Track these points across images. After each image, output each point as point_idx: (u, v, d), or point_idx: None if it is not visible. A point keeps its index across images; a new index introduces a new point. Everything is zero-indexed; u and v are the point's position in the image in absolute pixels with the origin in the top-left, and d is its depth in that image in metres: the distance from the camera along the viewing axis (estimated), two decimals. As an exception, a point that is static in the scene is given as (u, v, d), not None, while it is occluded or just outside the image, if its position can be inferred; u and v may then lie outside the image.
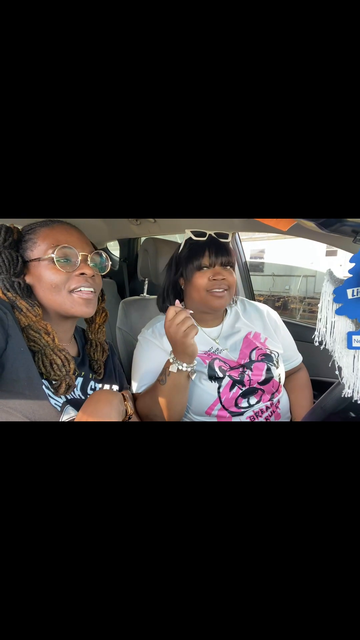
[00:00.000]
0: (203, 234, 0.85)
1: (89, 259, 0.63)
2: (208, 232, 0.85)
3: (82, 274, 0.61)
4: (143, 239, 1.48)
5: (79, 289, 0.61)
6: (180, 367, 0.72)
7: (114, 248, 1.98)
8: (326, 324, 0.46)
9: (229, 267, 0.85)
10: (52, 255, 0.59)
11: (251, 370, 0.84)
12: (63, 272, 0.60)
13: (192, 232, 0.86)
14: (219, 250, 0.83)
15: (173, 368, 0.73)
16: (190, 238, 0.86)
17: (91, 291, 0.62)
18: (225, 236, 0.86)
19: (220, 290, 0.83)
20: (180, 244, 0.90)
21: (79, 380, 0.67)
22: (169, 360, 0.74)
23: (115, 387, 0.74)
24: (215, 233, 0.86)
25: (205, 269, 0.83)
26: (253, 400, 0.83)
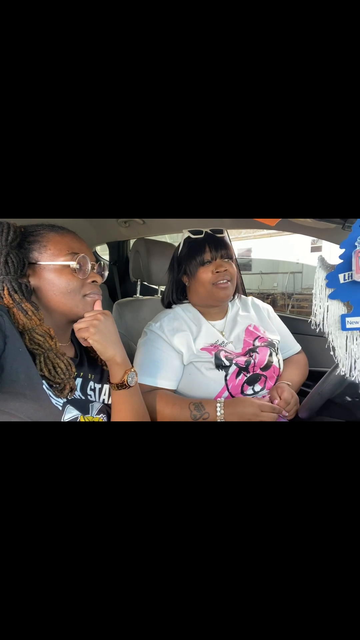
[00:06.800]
0: (200, 232, 0.92)
1: (95, 268, 0.67)
2: (204, 230, 0.92)
3: (94, 281, 0.66)
4: (133, 241, 1.49)
5: (90, 295, 0.66)
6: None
7: (103, 252, 1.98)
8: (321, 308, 0.48)
9: (228, 260, 0.90)
10: (72, 263, 0.62)
11: (258, 353, 0.88)
12: (78, 279, 0.63)
13: (189, 231, 0.92)
14: (218, 244, 0.89)
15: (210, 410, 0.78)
16: (188, 237, 0.93)
17: (99, 294, 0.68)
18: (221, 231, 0.92)
19: (225, 281, 0.88)
20: (179, 244, 0.96)
21: (78, 380, 0.67)
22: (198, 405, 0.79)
23: None
24: (210, 230, 0.92)
25: (207, 263, 0.88)
26: (257, 387, 0.87)
